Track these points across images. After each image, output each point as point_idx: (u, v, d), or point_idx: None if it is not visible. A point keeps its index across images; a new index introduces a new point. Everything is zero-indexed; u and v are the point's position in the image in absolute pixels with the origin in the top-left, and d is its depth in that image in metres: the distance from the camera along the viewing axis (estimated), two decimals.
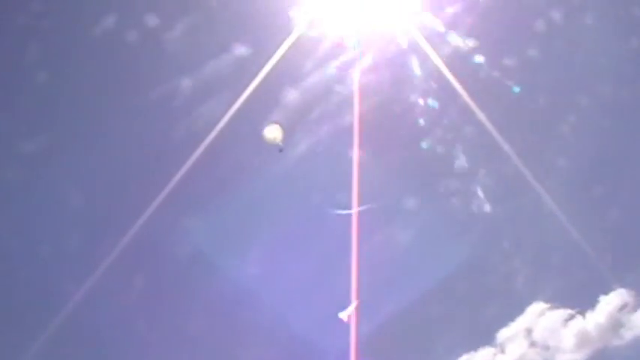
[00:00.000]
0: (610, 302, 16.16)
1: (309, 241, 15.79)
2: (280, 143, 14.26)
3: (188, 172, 15.15)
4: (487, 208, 16.52)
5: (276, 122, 14.47)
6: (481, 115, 15.17)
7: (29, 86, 16.11)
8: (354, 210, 14.05)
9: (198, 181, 15.45)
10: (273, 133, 14.25)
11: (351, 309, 13.28)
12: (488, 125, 15.14)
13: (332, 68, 15.49)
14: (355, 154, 14.32)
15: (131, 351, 15.77)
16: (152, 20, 15.80)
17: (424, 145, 16.02)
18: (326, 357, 15.31)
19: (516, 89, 15.66)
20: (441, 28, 15.39)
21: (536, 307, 16.43)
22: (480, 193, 16.34)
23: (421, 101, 15.78)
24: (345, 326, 12.85)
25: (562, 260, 16.63)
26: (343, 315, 13.31)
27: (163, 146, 16.20)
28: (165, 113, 16.11)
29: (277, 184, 15.51)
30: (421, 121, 15.92)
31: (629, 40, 16.01)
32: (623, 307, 16.12)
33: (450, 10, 15.46)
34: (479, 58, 15.57)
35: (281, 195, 15.88)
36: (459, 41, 15.45)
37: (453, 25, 15.45)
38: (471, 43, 15.53)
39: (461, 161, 16.16)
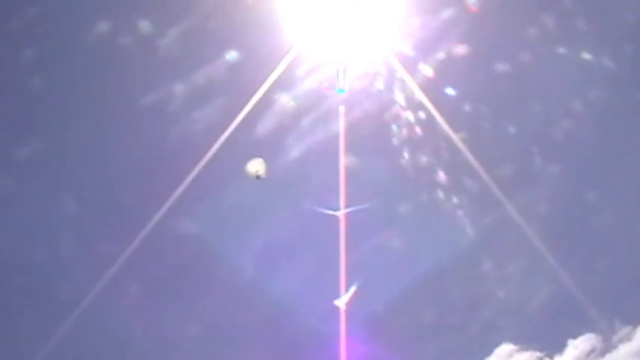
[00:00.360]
0: (578, 346, 16.18)
1: (300, 242, 16.03)
2: (263, 175, 14.40)
3: (181, 177, 15.21)
4: (459, 240, 16.58)
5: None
6: (462, 129, 15.70)
7: (23, 91, 15.92)
8: (341, 211, 14.45)
9: (192, 185, 15.34)
10: (255, 166, 14.43)
11: (347, 296, 13.25)
12: (470, 139, 15.63)
13: (321, 79, 15.75)
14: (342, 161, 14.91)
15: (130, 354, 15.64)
16: (148, 27, 15.83)
17: (406, 155, 16.27)
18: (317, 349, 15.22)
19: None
20: (424, 50, 15.91)
21: (505, 349, 16.29)
22: (455, 222, 16.40)
23: (403, 113, 16.06)
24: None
25: (532, 302, 16.68)
26: (340, 302, 13.27)
27: (158, 152, 16.12)
28: (159, 120, 16.08)
29: (270, 188, 15.47)
30: (403, 132, 16.13)
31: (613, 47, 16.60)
32: (590, 352, 16.15)
33: (438, 20, 15.94)
34: (461, 71, 16.10)
35: (273, 198, 15.93)
36: (444, 61, 15.96)
37: (438, 45, 15.98)
38: (453, 61, 15.99)
39: (440, 174, 16.34)
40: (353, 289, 14.26)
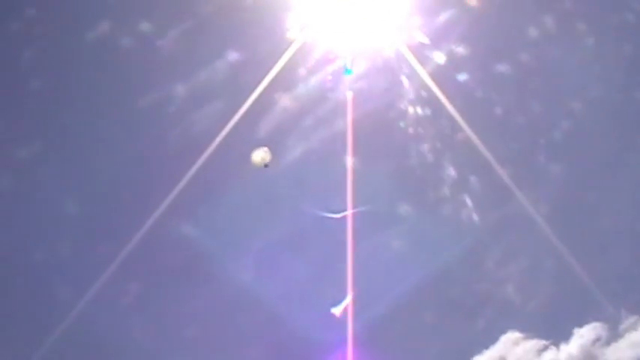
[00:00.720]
0: (584, 335, 16.21)
1: (303, 243, 15.91)
2: (267, 163, 14.38)
3: (184, 177, 15.27)
4: (468, 228, 16.64)
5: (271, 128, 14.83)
6: (469, 124, 15.61)
7: (24, 91, 16.03)
8: (344, 213, 14.56)
9: (195, 185, 15.42)
10: (260, 155, 14.43)
11: (344, 304, 13.18)
12: (477, 133, 15.58)
13: (325, 76, 15.77)
14: (349, 159, 14.98)
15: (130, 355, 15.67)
16: (148, 28, 15.92)
17: (413, 152, 16.29)
18: (322, 352, 15.22)
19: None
20: (429, 40, 15.87)
21: (511, 336, 16.36)
22: (464, 211, 16.46)
23: (411, 109, 16.07)
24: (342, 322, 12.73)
25: (538, 290, 16.75)
26: (336, 310, 13.20)
27: (159, 151, 16.22)
28: (162, 119, 16.18)
29: (272, 187, 15.59)
30: (410, 129, 16.17)
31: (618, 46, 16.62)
32: (596, 341, 16.18)
33: (438, 22, 15.98)
34: (465, 69, 16.08)
35: (276, 198, 15.95)
36: (446, 52, 15.94)
37: (440, 36, 15.95)
38: (457, 53, 16.01)
39: (449, 169, 16.41)
40: (349, 297, 14.15)
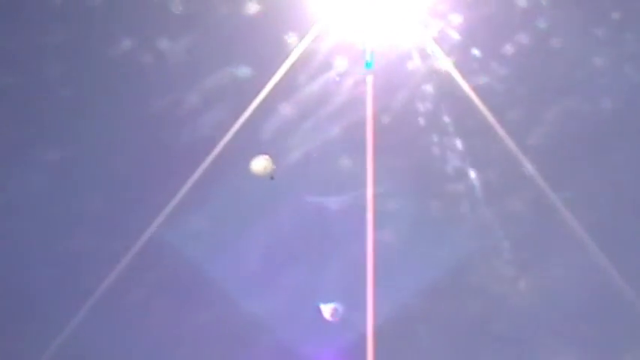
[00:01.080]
0: None
1: (306, 239, 15.36)
2: (271, 173, 14.19)
3: (191, 175, 15.10)
4: (502, 241, 15.21)
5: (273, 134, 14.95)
6: (484, 119, 14.87)
7: (49, 99, 16.13)
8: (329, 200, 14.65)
9: (202, 184, 15.19)
10: (262, 164, 14.12)
11: (330, 306, 13.89)
12: (492, 129, 14.86)
13: (344, 69, 15.37)
14: (369, 153, 14.65)
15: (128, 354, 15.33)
16: (160, 40, 15.80)
17: (426, 146, 15.40)
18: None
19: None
20: (448, 35, 15.22)
21: None
22: (476, 205, 15.27)
23: (434, 104, 15.34)
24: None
25: (588, 316, 14.84)
26: (324, 310, 13.95)
27: (167, 149, 15.89)
28: (171, 122, 15.87)
29: (281, 186, 15.02)
30: (423, 123, 15.40)
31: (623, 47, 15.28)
32: None
33: (459, 17, 15.25)
34: (483, 63, 15.28)
35: (283, 195, 15.37)
36: (464, 48, 15.23)
37: (459, 31, 15.25)
38: (473, 49, 15.28)
39: (462, 163, 15.35)
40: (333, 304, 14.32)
